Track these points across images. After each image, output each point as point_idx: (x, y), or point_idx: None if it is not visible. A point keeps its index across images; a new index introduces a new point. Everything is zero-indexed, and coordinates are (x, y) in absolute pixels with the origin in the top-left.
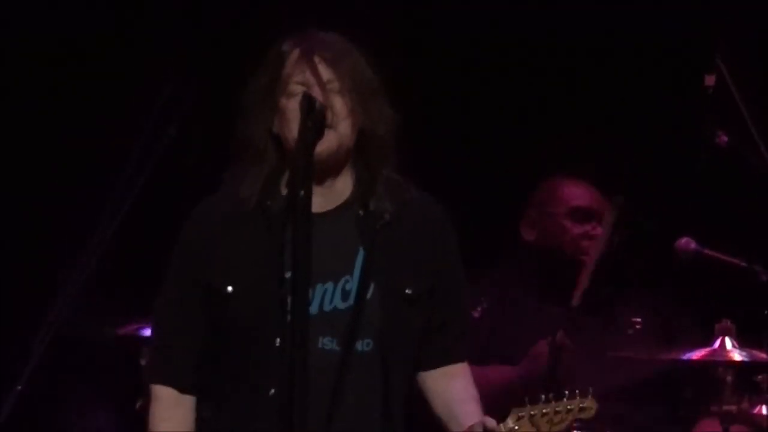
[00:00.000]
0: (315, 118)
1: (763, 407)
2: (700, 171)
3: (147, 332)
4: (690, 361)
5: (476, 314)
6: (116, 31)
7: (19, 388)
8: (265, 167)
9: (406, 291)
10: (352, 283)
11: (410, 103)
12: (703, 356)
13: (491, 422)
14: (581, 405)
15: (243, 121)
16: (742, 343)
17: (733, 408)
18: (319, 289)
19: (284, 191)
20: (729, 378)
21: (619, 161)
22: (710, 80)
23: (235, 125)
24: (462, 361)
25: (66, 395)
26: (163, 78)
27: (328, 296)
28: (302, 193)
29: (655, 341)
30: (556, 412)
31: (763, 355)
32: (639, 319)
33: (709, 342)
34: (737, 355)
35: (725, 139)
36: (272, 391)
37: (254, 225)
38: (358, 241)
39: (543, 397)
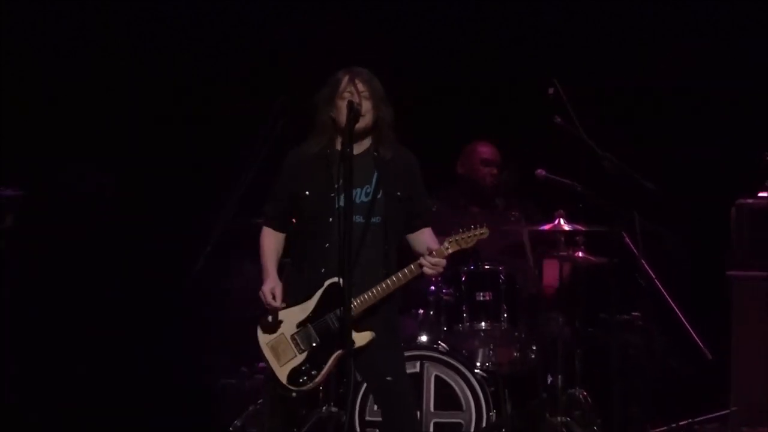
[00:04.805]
0: (354, 113)
1: (580, 252)
2: (551, 138)
3: None
4: (543, 230)
5: (434, 208)
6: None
7: (209, 248)
8: (326, 136)
9: (398, 194)
10: (370, 189)
11: (400, 109)
12: (549, 228)
13: (437, 246)
14: (481, 231)
15: (316, 113)
16: (568, 221)
17: (565, 254)
18: (354, 191)
19: (337, 147)
20: (562, 239)
21: (506, 134)
22: (551, 90)
23: (310, 117)
24: (427, 226)
25: (229, 262)
26: (275, 100)
27: (358, 195)
28: (348, 149)
29: (522, 222)
30: (468, 237)
31: (580, 227)
32: (516, 213)
33: (552, 221)
34: (566, 227)
35: (560, 120)
36: (327, 244)
37: (319, 162)
38: (373, 168)
39: (460, 230)
